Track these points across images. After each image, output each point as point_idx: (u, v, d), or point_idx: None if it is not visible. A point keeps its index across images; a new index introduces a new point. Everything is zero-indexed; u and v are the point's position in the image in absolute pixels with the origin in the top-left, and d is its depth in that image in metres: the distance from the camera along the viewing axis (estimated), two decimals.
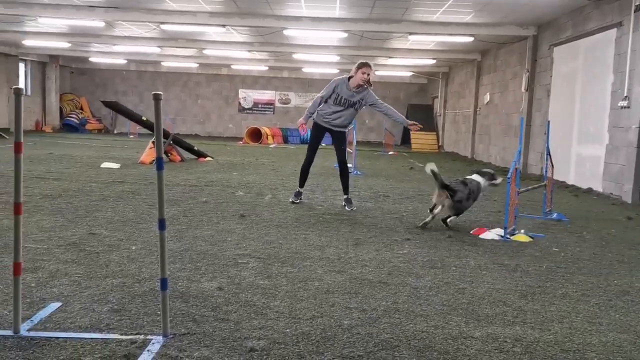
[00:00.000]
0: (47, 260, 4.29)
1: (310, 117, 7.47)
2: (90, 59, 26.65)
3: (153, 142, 13.08)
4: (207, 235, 5.42)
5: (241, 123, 29.46)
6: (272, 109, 30.04)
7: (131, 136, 24.61)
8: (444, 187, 6.20)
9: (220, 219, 6.27)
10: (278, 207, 7.28)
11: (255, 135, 24.24)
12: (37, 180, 8.73)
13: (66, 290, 3.61)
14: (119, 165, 11.58)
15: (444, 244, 5.51)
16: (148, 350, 2.74)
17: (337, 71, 27.10)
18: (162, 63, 27.46)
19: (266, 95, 29.96)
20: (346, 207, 7.36)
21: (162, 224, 2.94)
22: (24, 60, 25.47)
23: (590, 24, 11.43)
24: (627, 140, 9.67)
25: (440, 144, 24.77)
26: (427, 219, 6.31)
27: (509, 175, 5.95)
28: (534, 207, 8.01)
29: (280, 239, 5.39)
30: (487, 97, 18.57)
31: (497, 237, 5.88)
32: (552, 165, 7.52)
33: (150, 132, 13.71)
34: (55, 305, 3.33)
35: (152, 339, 2.89)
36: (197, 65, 27.64)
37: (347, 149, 7.84)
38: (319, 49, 19.87)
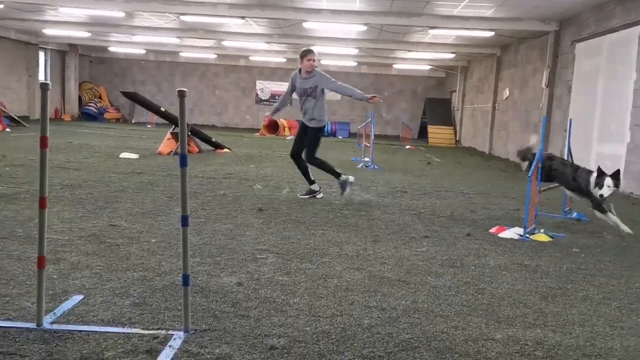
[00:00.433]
0: (68, 251, 4.33)
1: (278, 110, 8.14)
2: (110, 49, 26.81)
3: (171, 133, 13.17)
4: (226, 229, 5.44)
5: (258, 114, 29.49)
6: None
7: (149, 126, 24.75)
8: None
9: (239, 213, 6.29)
10: (295, 201, 7.29)
11: (272, 126, 24.26)
12: (58, 170, 8.82)
13: (88, 283, 3.65)
14: (138, 155, 11.66)
15: (463, 243, 5.48)
16: (170, 346, 2.76)
17: (355, 64, 27.01)
18: (180, 53, 27.54)
19: (283, 87, 29.90)
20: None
21: (185, 221, 2.95)
22: (44, 49, 25.67)
23: (614, 21, 11.24)
24: None
25: (457, 138, 24.60)
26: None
27: (529, 174, 5.89)
28: (553, 206, 7.93)
29: (299, 234, 5.40)
30: (507, 93, 18.39)
31: (516, 236, 5.83)
32: None
33: (168, 123, 13.77)
34: (78, 298, 3.37)
35: (173, 334, 2.91)
36: (216, 56, 27.67)
37: (365, 143, 7.83)
38: (338, 42, 19.80)
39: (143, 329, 2.97)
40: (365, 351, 2.85)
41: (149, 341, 2.81)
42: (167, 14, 15.47)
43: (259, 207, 6.70)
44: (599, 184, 6.09)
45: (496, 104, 19.64)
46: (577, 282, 4.36)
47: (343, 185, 7.75)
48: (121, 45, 25.33)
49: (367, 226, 5.98)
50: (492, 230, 6.11)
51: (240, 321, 3.14)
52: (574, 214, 7.28)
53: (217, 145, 14.24)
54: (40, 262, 2.93)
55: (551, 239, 5.83)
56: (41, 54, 25.55)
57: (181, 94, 2.87)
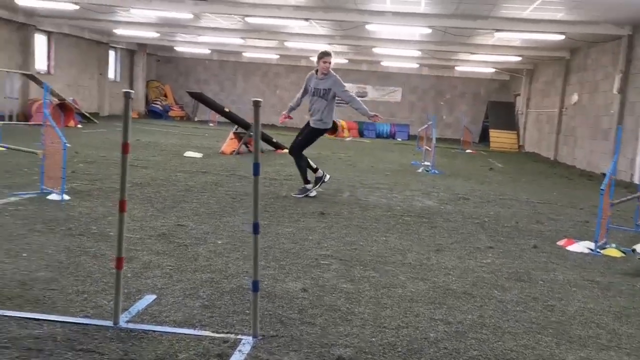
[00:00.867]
0: (140, 250, 4.49)
1: (293, 109, 8.00)
2: (176, 48, 27.58)
3: (234, 133, 13.44)
4: (289, 232, 5.50)
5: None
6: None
7: (211, 124, 25.30)
8: None
9: (301, 216, 6.35)
10: (357, 206, 7.29)
11: (331, 127, 24.32)
12: (128, 168, 9.14)
13: (159, 283, 3.77)
14: (202, 154, 11.94)
15: (529, 255, 5.33)
16: (239, 351, 2.82)
17: (417, 66, 26.73)
18: (243, 53, 28.01)
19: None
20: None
21: (256, 228, 3.01)
22: (114, 48, 26.68)
23: None
24: None
25: (520, 143, 23.93)
26: None
27: (602, 186, 5.67)
28: (624, 218, 7.60)
29: (361, 240, 5.40)
30: (575, 98, 17.74)
31: (586, 251, 5.63)
32: None
33: (230, 122, 14.03)
34: (151, 297, 3.49)
35: (242, 339, 2.97)
36: (278, 56, 27.99)
37: (425, 147, 7.74)
38: (400, 44, 19.65)
39: (213, 332, 3.05)
40: None
41: (220, 345, 2.88)
42: (233, 15, 15.77)
43: (321, 211, 6.73)
44: None
45: (563, 109, 18.98)
46: None
47: (318, 180, 7.84)
48: (187, 45, 26.01)
49: (429, 234, 5.91)
50: (560, 242, 5.92)
51: (307, 329, 3.17)
52: None
53: (278, 146, 14.40)
54: (119, 263, 3.06)
55: (623, 255, 5.59)
56: (111, 53, 26.56)
57: (256, 104, 2.93)
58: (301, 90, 7.91)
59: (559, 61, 19.51)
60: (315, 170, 7.88)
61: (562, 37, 14.62)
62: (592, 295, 4.23)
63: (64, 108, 17.28)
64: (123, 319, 3.10)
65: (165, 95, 30.08)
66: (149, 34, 22.08)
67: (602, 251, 5.61)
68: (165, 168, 9.54)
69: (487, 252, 5.31)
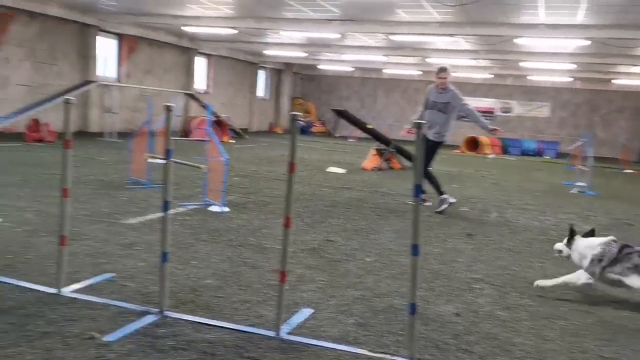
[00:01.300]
0: (294, 263, 4.68)
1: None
2: (319, 67, 28.54)
3: (376, 149, 13.56)
4: (436, 253, 5.42)
5: (457, 131, 28.96)
6: (492, 118, 29.05)
7: (350, 140, 25.75)
8: None
9: (447, 236, 6.22)
10: (506, 228, 6.99)
11: (472, 144, 23.64)
12: (277, 182, 9.61)
13: (314, 297, 3.90)
14: (345, 170, 12.19)
15: None
16: None
17: (569, 79, 25.17)
18: (384, 70, 28.27)
19: (486, 103, 29.04)
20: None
21: (415, 250, 3.01)
22: (264, 68, 28.30)
23: None
24: None
25: None
26: None
27: None
28: None
29: (514, 265, 5.16)
30: None
31: None
32: None
33: (372, 138, 14.17)
34: (308, 311, 3.61)
35: None
36: (421, 72, 27.86)
37: (580, 166, 7.26)
38: (550, 57, 18.62)
39: (369, 350, 3.08)
40: None
41: None
42: (378, 33, 16.00)
43: (468, 232, 6.55)
44: None
45: None
46: None
47: (442, 201, 7.74)
48: (330, 63, 26.82)
49: None
50: None
51: (464, 356, 3.10)
52: None
53: None
54: (282, 277, 3.21)
55: None
56: (260, 73, 28.19)
57: (418, 126, 2.93)
58: (422, 104, 8.12)
59: None
60: (424, 192, 7.86)
61: None
62: None
63: (219, 124, 18.59)
64: (284, 330, 3.24)
65: (308, 112, 31.20)
66: (296, 54, 23.11)
67: None
68: (310, 183, 9.86)
69: None
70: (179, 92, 19.40)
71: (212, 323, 3.29)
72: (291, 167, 3.16)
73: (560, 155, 22.94)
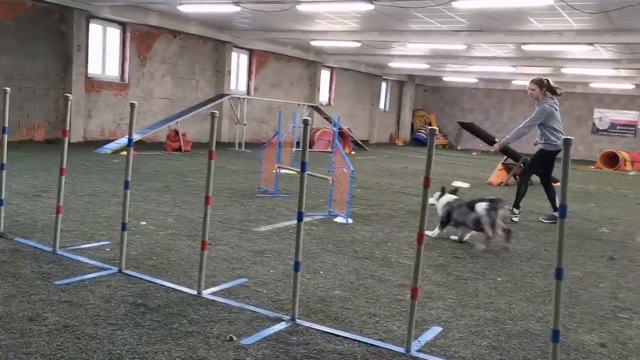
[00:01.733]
0: (421, 279, 4.56)
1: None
2: (444, 78, 28.04)
3: (503, 164, 13.03)
4: (575, 277, 5.06)
5: (593, 145, 27.05)
6: (633, 132, 26.81)
7: (474, 153, 24.97)
8: None
9: (586, 259, 5.81)
10: None
11: (610, 160, 21.94)
12: (400, 195, 9.53)
13: (443, 315, 3.80)
14: (469, 185, 11.82)
15: None
16: None
17: None
18: (512, 81, 27.15)
19: (627, 116, 26.86)
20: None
21: (559, 274, 2.83)
22: (386, 80, 28.33)
23: None
24: None
25: None
26: None
27: None
28: None
29: None
30: None
31: None
32: None
33: (500, 153, 13.60)
34: (437, 329, 3.52)
35: None
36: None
37: None
38: None
39: None
40: None
41: None
42: (508, 44, 15.42)
43: (610, 255, 6.07)
44: None
45: None
46: None
47: (551, 217, 7.88)
48: (455, 75, 26.25)
49: None
50: None
51: None
52: None
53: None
54: (414, 293, 3.16)
55: None
56: (383, 85, 28.25)
57: (567, 143, 2.76)
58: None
59: None
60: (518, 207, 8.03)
61: None
62: None
63: (341, 136, 18.88)
64: (414, 347, 3.19)
65: (430, 124, 30.73)
66: (420, 66, 22.90)
67: None
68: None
69: None
70: (304, 105, 19.95)
71: (342, 334, 3.32)
72: (426, 182, 3.11)
73: None
